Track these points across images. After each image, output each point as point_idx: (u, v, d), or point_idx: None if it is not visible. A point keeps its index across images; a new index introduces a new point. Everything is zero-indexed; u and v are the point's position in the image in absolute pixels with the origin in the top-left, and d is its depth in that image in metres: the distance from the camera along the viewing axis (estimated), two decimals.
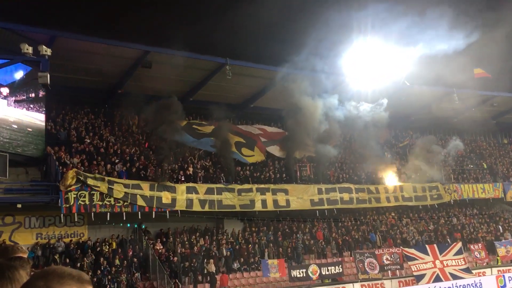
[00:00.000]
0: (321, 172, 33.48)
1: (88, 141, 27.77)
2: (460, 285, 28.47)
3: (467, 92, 38.05)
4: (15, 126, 24.19)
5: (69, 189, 23.12)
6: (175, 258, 25.78)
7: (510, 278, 30.43)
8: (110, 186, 24.43)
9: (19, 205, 22.94)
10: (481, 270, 32.02)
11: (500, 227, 37.93)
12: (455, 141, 40.60)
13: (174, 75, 29.22)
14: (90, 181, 23.86)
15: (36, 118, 25.40)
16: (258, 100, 34.27)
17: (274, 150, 34.24)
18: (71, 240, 25.08)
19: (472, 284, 28.90)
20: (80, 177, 23.54)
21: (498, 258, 33.57)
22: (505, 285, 29.82)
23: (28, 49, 15.99)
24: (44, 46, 16.65)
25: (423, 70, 31.77)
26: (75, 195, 23.37)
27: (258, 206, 29.07)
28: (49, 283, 1.41)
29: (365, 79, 32.28)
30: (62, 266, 1.51)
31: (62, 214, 23.87)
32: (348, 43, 30.90)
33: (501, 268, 32.49)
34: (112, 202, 24.48)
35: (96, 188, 23.97)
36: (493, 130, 46.92)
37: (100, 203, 24.12)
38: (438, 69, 32.01)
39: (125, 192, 24.87)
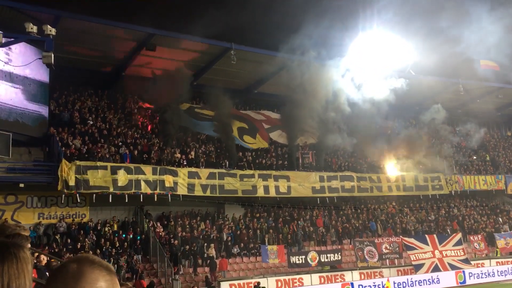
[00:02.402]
0: (323, 159, 33.50)
1: (91, 123, 27.78)
2: (415, 280, 27.71)
3: (472, 83, 37.84)
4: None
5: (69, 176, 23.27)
6: (176, 241, 25.94)
7: (470, 274, 29.60)
8: (113, 175, 24.45)
9: (21, 185, 23.05)
10: (480, 261, 32.14)
11: (500, 219, 37.98)
12: (459, 131, 40.48)
13: (178, 59, 29.10)
14: (90, 174, 23.87)
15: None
16: (262, 86, 34.16)
17: (277, 136, 34.24)
18: (73, 221, 25.23)
19: (429, 279, 28.14)
20: (78, 176, 23.53)
21: (497, 249, 33.67)
22: (464, 281, 29.04)
23: (32, 28, 15.86)
24: (48, 26, 16.51)
25: (429, 60, 31.54)
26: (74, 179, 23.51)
27: (260, 192, 29.17)
28: (82, 266, 1.56)
29: (371, 68, 32.08)
30: (92, 255, 1.66)
31: (63, 195, 24.00)
32: (354, 32, 30.70)
33: (500, 260, 32.60)
34: (112, 190, 24.58)
35: (97, 179, 24.06)
36: (497, 122, 46.75)
37: (101, 184, 24.24)
38: (444, 59, 31.77)
39: (128, 180, 24.91)
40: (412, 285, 27.44)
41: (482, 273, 30.06)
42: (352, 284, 25.69)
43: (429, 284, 27.77)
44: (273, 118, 35.08)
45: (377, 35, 30.89)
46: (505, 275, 30.52)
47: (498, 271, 30.60)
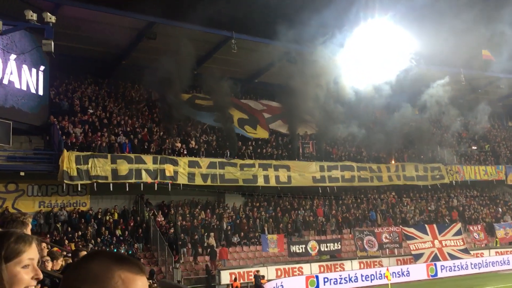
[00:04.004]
0: (324, 149, 33.49)
1: (91, 111, 27.74)
2: (383, 273, 26.32)
3: (474, 73, 37.69)
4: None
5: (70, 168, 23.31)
6: (176, 230, 26.02)
7: (442, 267, 29.12)
8: (113, 165, 24.47)
9: (22, 173, 23.07)
10: (480, 251, 32.26)
11: (500, 209, 38.06)
12: (460, 121, 40.37)
13: (179, 47, 28.92)
14: (90, 163, 23.87)
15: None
16: (263, 75, 34.03)
17: (278, 126, 34.21)
18: (74, 209, 25.28)
19: (398, 272, 27.28)
20: (79, 166, 23.53)
21: (496, 240, 33.79)
22: (436, 274, 28.60)
23: (32, 15, 15.78)
24: (48, 14, 16.43)
25: (431, 49, 31.38)
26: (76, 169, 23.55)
27: (260, 182, 29.21)
28: (130, 274, 1.40)
29: (371, 57, 31.91)
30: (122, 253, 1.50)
31: (64, 183, 24.03)
32: (356, 21, 30.49)
33: (499, 250, 32.72)
34: (113, 180, 24.61)
35: (99, 168, 24.09)
36: (498, 113, 46.62)
37: (101, 174, 24.27)
38: (446, 49, 31.61)
39: (129, 169, 24.94)
40: (380, 277, 26.58)
41: (454, 266, 29.47)
42: (316, 276, 25.39)
43: (398, 277, 26.84)
44: (273, 107, 35.03)
45: (378, 24, 30.69)
46: (479, 267, 29.96)
47: (471, 264, 29.96)
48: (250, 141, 31.87)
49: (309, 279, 25.13)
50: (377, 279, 26.58)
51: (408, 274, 27.82)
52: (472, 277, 28.01)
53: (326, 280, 25.64)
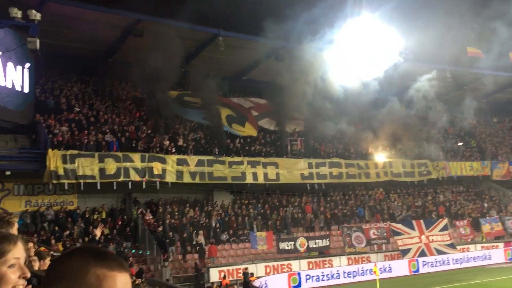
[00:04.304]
0: (312, 146, 33.59)
1: (78, 109, 27.50)
2: (366, 270, 26.73)
3: (459, 70, 38.04)
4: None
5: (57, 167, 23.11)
6: (165, 228, 25.93)
7: (424, 263, 29.22)
8: (100, 163, 24.29)
9: (8, 172, 22.82)
10: (466, 246, 32.65)
11: (485, 204, 38.52)
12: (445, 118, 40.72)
13: (166, 45, 28.78)
14: (77, 163, 23.68)
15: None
16: (250, 72, 34.01)
17: (266, 123, 34.25)
18: (61, 208, 25.07)
19: (380, 268, 26.28)
20: (66, 165, 23.32)
21: (482, 234, 34.21)
22: (417, 269, 28.72)
23: (17, 13, 15.60)
24: (33, 11, 16.25)
25: (417, 46, 31.60)
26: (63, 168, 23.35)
27: (249, 179, 29.22)
28: (108, 272, 1.36)
29: (359, 54, 32.04)
30: (105, 249, 1.46)
31: (51, 183, 23.82)
32: (343, 18, 30.57)
33: (485, 245, 33.15)
34: (100, 179, 24.44)
35: (86, 168, 23.91)
36: (483, 109, 47.11)
37: (89, 173, 24.10)
38: (432, 45, 31.86)
39: (117, 168, 24.78)
40: (363, 274, 26.86)
41: (436, 261, 29.66)
42: (299, 274, 25.38)
43: (361, 275, 26.82)
44: (261, 104, 35.05)
45: (366, 21, 30.80)
46: (461, 263, 30.15)
47: (453, 259, 30.16)
48: (239, 139, 31.87)
49: (291, 277, 25.10)
50: (363, 275, 26.78)
51: (390, 270, 27.87)
52: (459, 272, 28.33)
53: (308, 277, 25.72)
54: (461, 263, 30.33)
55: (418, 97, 36.61)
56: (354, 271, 27.04)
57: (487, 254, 31.60)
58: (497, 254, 31.80)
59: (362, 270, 27.01)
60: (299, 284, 25.07)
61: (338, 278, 26.35)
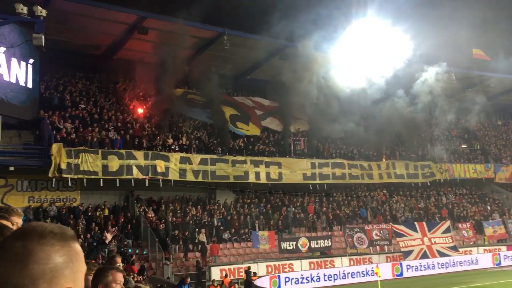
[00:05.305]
0: (315, 146, 33.54)
1: (82, 106, 27.53)
2: (347, 273, 26.41)
3: (464, 72, 37.91)
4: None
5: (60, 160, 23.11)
6: (167, 226, 25.94)
7: (408, 266, 28.52)
8: (104, 160, 24.31)
9: (11, 168, 22.86)
10: (468, 249, 32.53)
11: (488, 207, 38.39)
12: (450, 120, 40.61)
13: (171, 43, 28.77)
14: (81, 157, 23.69)
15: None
16: (255, 71, 33.97)
17: (270, 123, 34.20)
18: (63, 205, 25.11)
19: (362, 271, 26.73)
20: (70, 160, 23.33)
21: (485, 237, 34.09)
22: (401, 273, 28.07)
23: (23, 9, 15.60)
24: (39, 7, 16.25)
25: (423, 47, 31.51)
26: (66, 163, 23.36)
27: (251, 178, 29.20)
28: (28, 243, 1.21)
29: (364, 55, 31.98)
30: (43, 223, 1.30)
31: (54, 179, 23.85)
32: (349, 19, 30.52)
33: (487, 248, 33.02)
34: (103, 176, 24.45)
35: (89, 164, 23.93)
36: (487, 111, 46.94)
37: (92, 169, 24.12)
38: (437, 47, 31.75)
39: (120, 165, 24.79)
40: (344, 277, 26.47)
41: (421, 265, 28.98)
42: (278, 276, 24.82)
43: (362, 276, 26.53)
44: (265, 104, 35.00)
45: (371, 21, 30.73)
46: (446, 267, 29.47)
47: (438, 263, 29.46)
48: (242, 138, 31.85)
49: (272, 279, 24.40)
50: (367, 275, 26.64)
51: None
52: (459, 275, 28.16)
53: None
54: (447, 267, 29.71)
55: (422, 98, 36.51)
56: (356, 272, 26.90)
57: (474, 258, 30.94)
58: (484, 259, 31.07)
59: (364, 271, 26.83)
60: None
61: (344, 279, 26.26)
